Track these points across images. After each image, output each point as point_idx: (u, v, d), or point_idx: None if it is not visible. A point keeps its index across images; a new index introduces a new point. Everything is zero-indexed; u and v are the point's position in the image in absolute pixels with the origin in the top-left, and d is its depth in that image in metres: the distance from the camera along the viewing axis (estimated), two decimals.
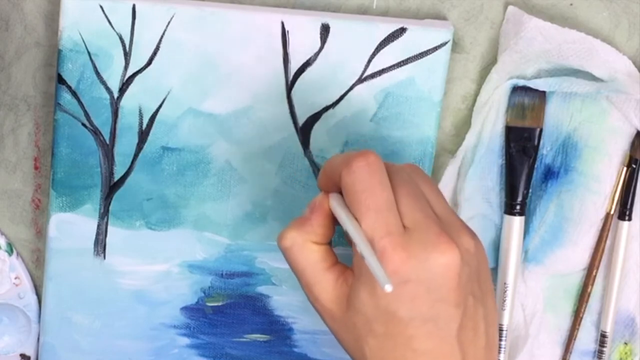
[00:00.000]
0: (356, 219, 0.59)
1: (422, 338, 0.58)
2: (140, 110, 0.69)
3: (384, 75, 0.69)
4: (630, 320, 0.75)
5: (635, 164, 0.72)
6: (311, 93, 0.69)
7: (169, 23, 0.68)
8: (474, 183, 0.72)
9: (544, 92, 0.71)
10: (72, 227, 0.71)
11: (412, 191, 0.60)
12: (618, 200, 0.73)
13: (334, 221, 0.62)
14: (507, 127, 0.72)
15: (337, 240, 0.64)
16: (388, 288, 0.55)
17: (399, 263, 0.57)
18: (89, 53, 0.68)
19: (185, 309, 0.73)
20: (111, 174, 0.70)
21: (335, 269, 0.61)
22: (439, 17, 0.71)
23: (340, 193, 0.61)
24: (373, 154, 0.59)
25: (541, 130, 0.72)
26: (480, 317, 0.60)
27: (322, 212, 0.61)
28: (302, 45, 0.68)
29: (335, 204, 0.61)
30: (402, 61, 0.69)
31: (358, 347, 0.60)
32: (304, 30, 0.68)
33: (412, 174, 0.62)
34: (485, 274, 0.61)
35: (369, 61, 0.69)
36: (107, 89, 0.69)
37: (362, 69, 0.69)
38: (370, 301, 0.58)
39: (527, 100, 0.71)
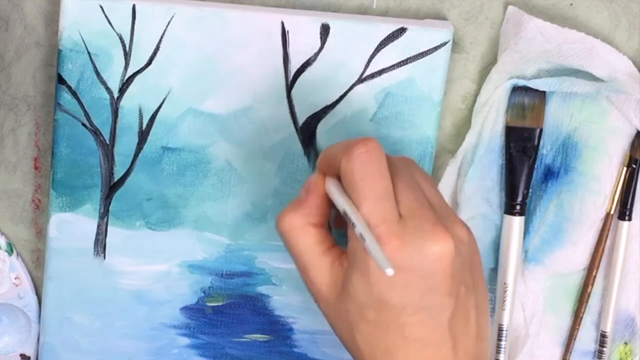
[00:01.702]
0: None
1: (414, 326, 0.58)
2: (140, 110, 0.69)
3: (384, 75, 0.69)
4: (630, 320, 0.75)
5: (635, 164, 0.72)
6: (311, 93, 0.69)
7: (169, 23, 0.68)
8: (474, 183, 0.72)
9: (544, 92, 0.71)
10: (72, 227, 0.71)
11: (408, 181, 0.60)
12: (618, 200, 0.72)
13: (330, 203, 0.62)
14: (507, 127, 0.72)
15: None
16: (389, 272, 0.55)
17: (394, 250, 0.57)
18: (89, 53, 0.68)
19: (185, 309, 0.73)
20: (111, 174, 0.70)
21: (331, 253, 0.61)
22: (439, 17, 0.71)
23: (338, 178, 0.61)
24: (374, 141, 0.59)
25: (541, 130, 0.72)
26: (472, 306, 0.60)
27: (318, 193, 0.62)
28: (302, 45, 0.68)
29: (332, 187, 0.61)
30: (402, 61, 0.69)
31: (350, 333, 0.60)
32: (304, 30, 0.68)
33: (408, 164, 0.62)
34: (477, 264, 0.61)
35: (369, 61, 0.69)
36: (107, 89, 0.69)
37: (362, 69, 0.69)
38: (363, 287, 0.58)
39: (527, 100, 0.71)
